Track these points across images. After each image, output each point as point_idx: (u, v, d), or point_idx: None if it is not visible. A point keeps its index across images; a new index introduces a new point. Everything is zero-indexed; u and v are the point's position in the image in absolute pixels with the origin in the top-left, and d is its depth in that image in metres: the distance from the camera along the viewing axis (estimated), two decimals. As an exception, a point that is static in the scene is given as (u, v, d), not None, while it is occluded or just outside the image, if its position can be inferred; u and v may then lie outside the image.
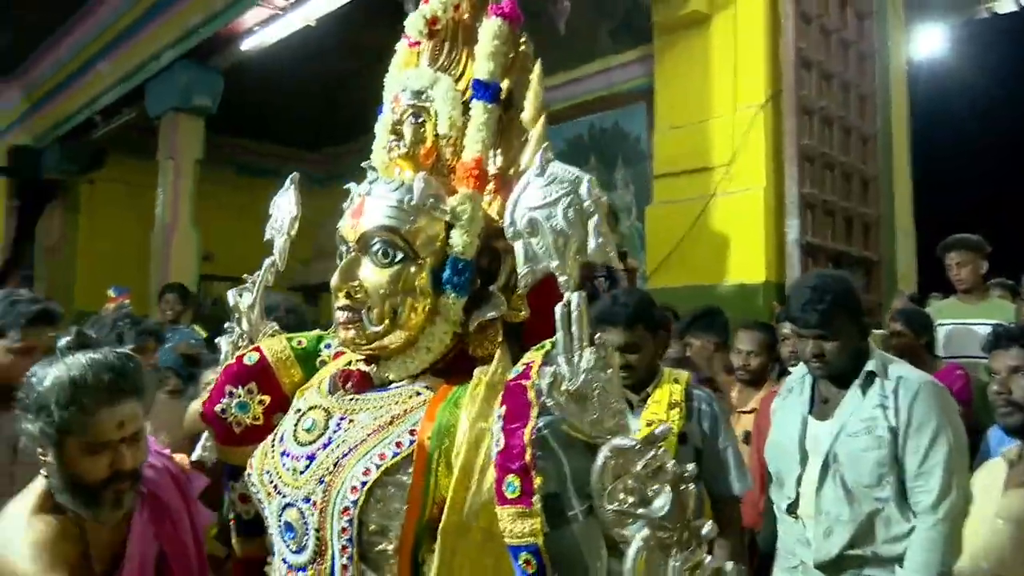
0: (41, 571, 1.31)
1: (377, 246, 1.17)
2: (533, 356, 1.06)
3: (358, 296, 1.17)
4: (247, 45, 6.17)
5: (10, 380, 2.08)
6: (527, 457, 0.97)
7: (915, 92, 5.73)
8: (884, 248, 5.01)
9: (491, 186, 1.24)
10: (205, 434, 1.56)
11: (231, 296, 1.55)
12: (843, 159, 4.78)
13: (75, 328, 1.54)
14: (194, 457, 1.65)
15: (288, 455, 1.19)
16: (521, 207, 1.04)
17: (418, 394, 1.18)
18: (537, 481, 0.96)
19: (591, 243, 1.00)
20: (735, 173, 4.55)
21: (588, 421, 0.98)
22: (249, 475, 1.24)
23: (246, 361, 1.37)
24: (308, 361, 1.39)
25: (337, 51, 6.88)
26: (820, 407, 2.28)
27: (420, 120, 1.24)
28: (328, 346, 1.41)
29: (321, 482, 1.13)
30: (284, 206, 1.54)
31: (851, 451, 2.14)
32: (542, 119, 1.26)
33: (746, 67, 4.63)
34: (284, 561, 1.17)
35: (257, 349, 1.38)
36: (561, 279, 1.01)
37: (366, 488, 1.08)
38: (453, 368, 1.20)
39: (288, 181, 1.54)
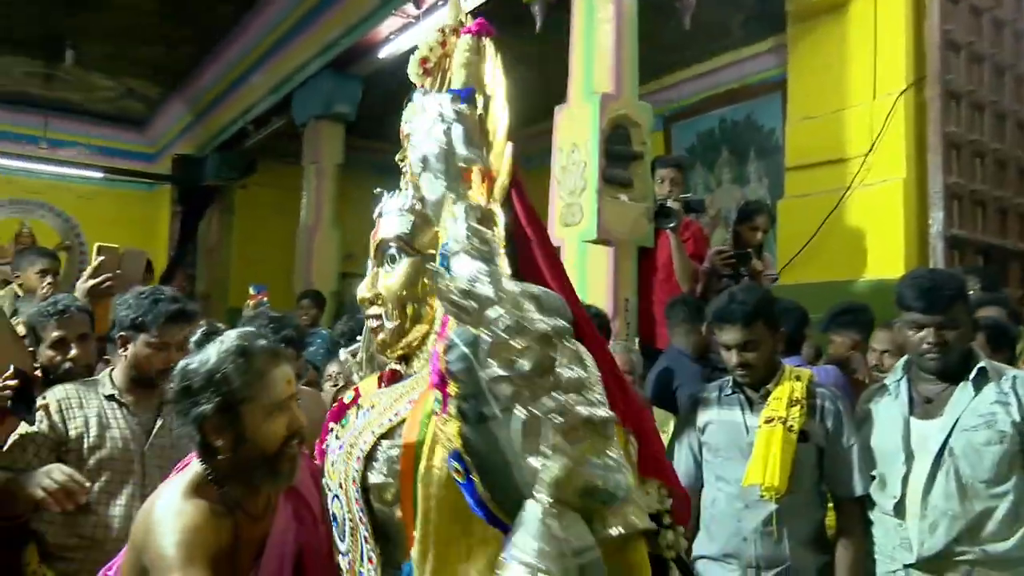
0: (184, 560, 1.28)
1: (388, 252, 1.34)
2: None
3: (378, 302, 1.31)
4: (384, 53, 6.44)
5: (145, 372, 2.30)
6: (441, 366, 1.01)
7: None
8: (1041, 239, 4.62)
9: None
10: None
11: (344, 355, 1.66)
12: (996, 146, 4.45)
13: (205, 323, 1.61)
14: None
15: (330, 451, 1.33)
16: (413, 154, 1.22)
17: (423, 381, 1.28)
18: (452, 389, 0.99)
19: (460, 152, 1.16)
20: (874, 164, 4.33)
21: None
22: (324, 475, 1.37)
23: (346, 401, 1.46)
24: None
25: (469, 55, 7.05)
26: (923, 407, 2.21)
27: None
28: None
29: (344, 464, 1.26)
30: None
31: (969, 445, 2.07)
32: (504, 119, 1.32)
33: (887, 52, 4.39)
34: (338, 550, 1.28)
35: (356, 389, 1.47)
36: (451, 198, 1.13)
37: (364, 455, 1.20)
38: None
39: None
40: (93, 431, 2.20)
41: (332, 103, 7.01)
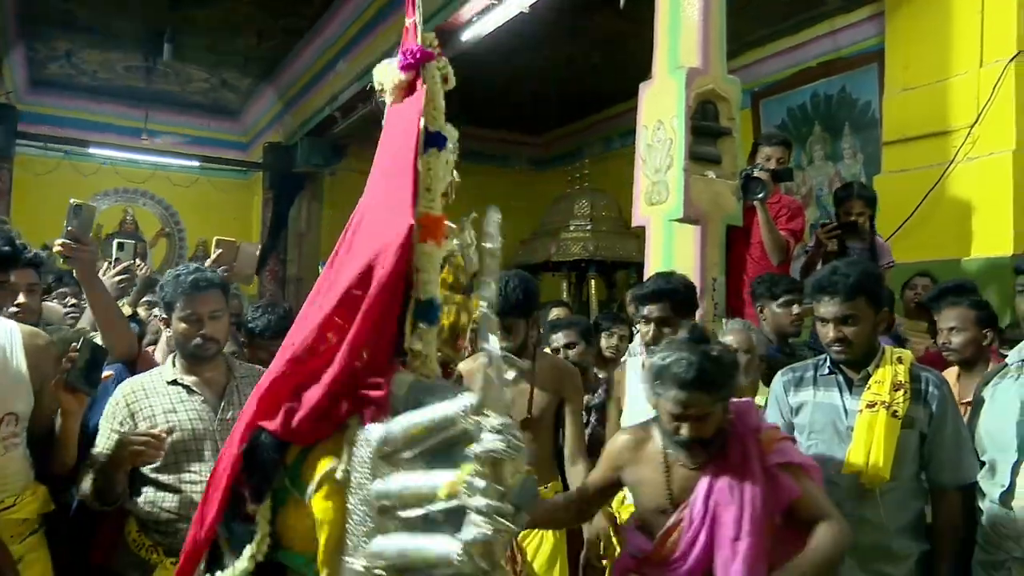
0: None
1: None
2: None
3: None
4: (466, 36, 6.45)
5: (185, 348, 2.33)
6: None
7: None
8: None
9: None
10: None
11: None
12: (1118, 113, 4.14)
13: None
14: None
15: None
16: None
17: None
18: None
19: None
20: (980, 136, 4.09)
21: None
22: None
23: None
24: None
25: (552, 37, 7.01)
26: None
27: None
28: None
29: None
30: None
31: None
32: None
33: (995, 17, 4.14)
34: None
35: None
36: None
37: None
38: None
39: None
40: (160, 419, 2.27)
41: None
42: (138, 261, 3.78)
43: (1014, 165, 3.96)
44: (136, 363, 2.59)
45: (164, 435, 2.14)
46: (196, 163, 10.31)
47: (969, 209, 4.14)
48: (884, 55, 4.87)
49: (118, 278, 2.89)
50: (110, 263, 3.00)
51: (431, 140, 1.39)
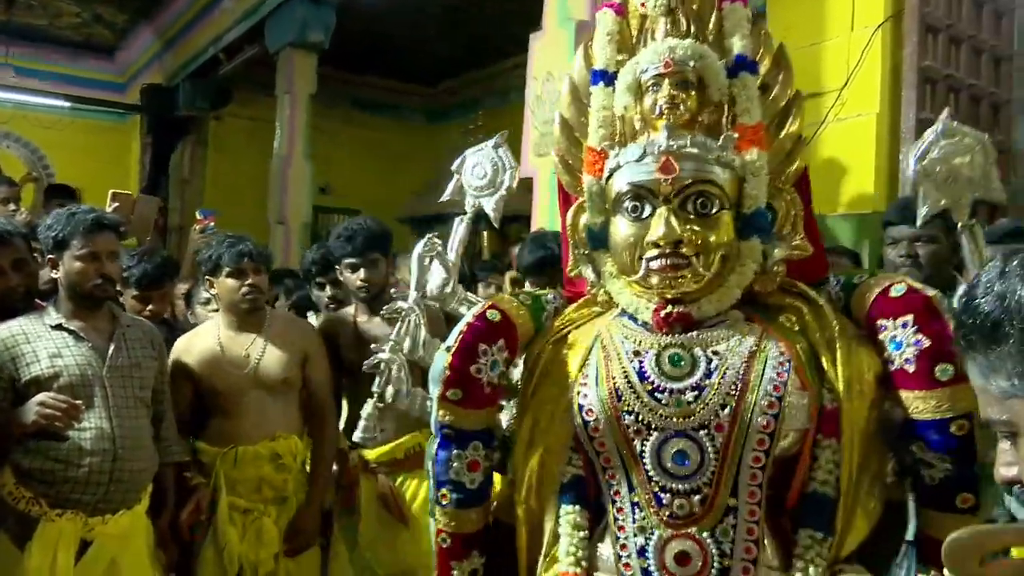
0: None
1: (695, 198, 1.31)
2: (880, 279, 1.34)
3: (687, 246, 1.29)
4: (358, -21, 6.28)
5: (82, 288, 2.28)
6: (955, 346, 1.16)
7: (1064, 8, 5.20)
8: (1014, 179, 4.65)
9: None
10: (367, 410, 1.64)
11: (422, 257, 1.61)
12: (971, 82, 4.43)
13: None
14: (357, 438, 1.71)
15: (663, 391, 1.28)
16: (932, 157, 1.42)
17: (747, 325, 1.33)
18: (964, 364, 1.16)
19: (994, 186, 1.41)
20: (848, 98, 4.30)
21: None
22: (588, 423, 1.31)
23: (490, 317, 1.41)
24: (536, 317, 1.48)
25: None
26: None
27: (688, 87, 1.36)
28: (548, 300, 1.52)
29: (725, 406, 1.25)
30: (495, 163, 1.64)
31: None
32: (796, 91, 1.44)
33: (866, -16, 4.33)
34: (664, 490, 1.27)
35: (495, 307, 1.43)
36: (956, 215, 1.42)
37: (783, 402, 1.24)
38: (740, 302, 1.36)
39: (495, 139, 1.66)
40: (44, 364, 2.20)
41: (306, 31, 6.84)
42: (12, 206, 3.57)
43: (877, 127, 4.19)
44: None
45: (81, 407, 2.09)
46: (66, 103, 9.66)
47: (837, 168, 4.37)
48: (765, 16, 5.03)
49: None
50: None
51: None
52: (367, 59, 9.06)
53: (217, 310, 2.88)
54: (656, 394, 1.27)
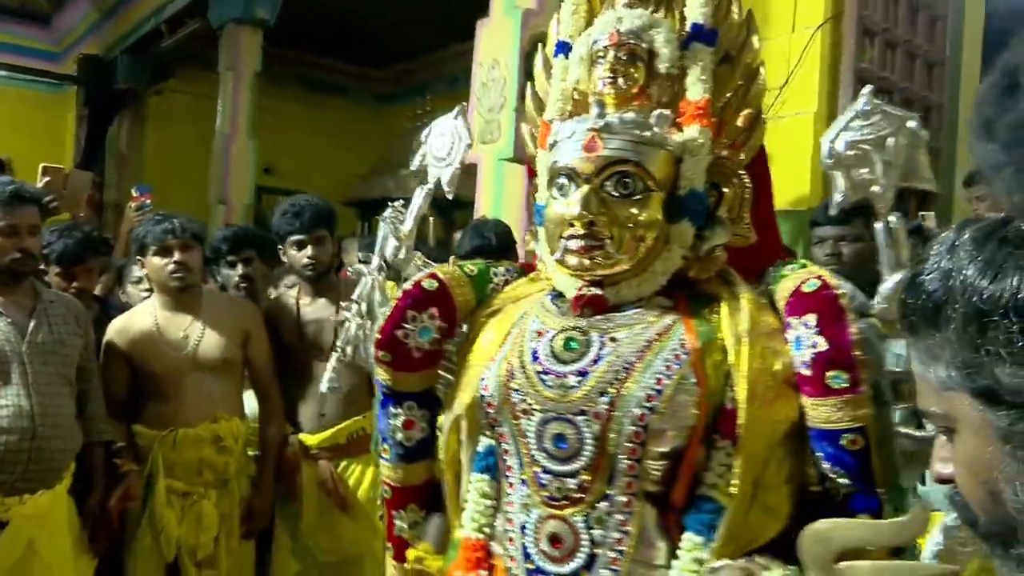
0: None
1: (617, 178, 1.24)
2: (800, 272, 1.25)
3: (601, 227, 1.24)
4: (305, -44, 6.17)
5: None
6: (855, 352, 1.14)
7: (994, 16, 5.42)
8: (944, 180, 4.84)
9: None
10: (332, 363, 1.66)
11: (386, 224, 1.61)
12: (904, 85, 4.60)
13: None
14: (323, 389, 1.75)
15: (549, 373, 1.26)
16: (843, 141, 1.24)
17: (664, 312, 1.27)
18: (863, 373, 1.14)
19: (924, 174, 1.24)
20: (788, 96, 4.42)
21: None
22: (484, 398, 1.31)
23: (426, 286, 1.41)
24: (480, 288, 1.46)
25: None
26: None
27: (635, 59, 1.30)
28: (496, 273, 1.50)
29: (604, 394, 1.21)
30: (452, 135, 1.61)
31: None
32: (762, 65, 1.39)
33: (808, -15, 4.45)
34: (545, 471, 1.25)
35: (434, 276, 1.42)
36: (879, 204, 1.23)
37: (662, 395, 1.18)
38: (673, 287, 1.30)
39: (456, 109, 1.63)
40: None
41: (251, 6, 6.71)
42: None
43: (814, 125, 4.32)
44: None
45: None
46: (-3, 71, 9.30)
47: (775, 165, 4.47)
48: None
49: None
50: None
51: None
52: (316, 38, 8.92)
53: (149, 290, 2.83)
54: (542, 376, 1.26)
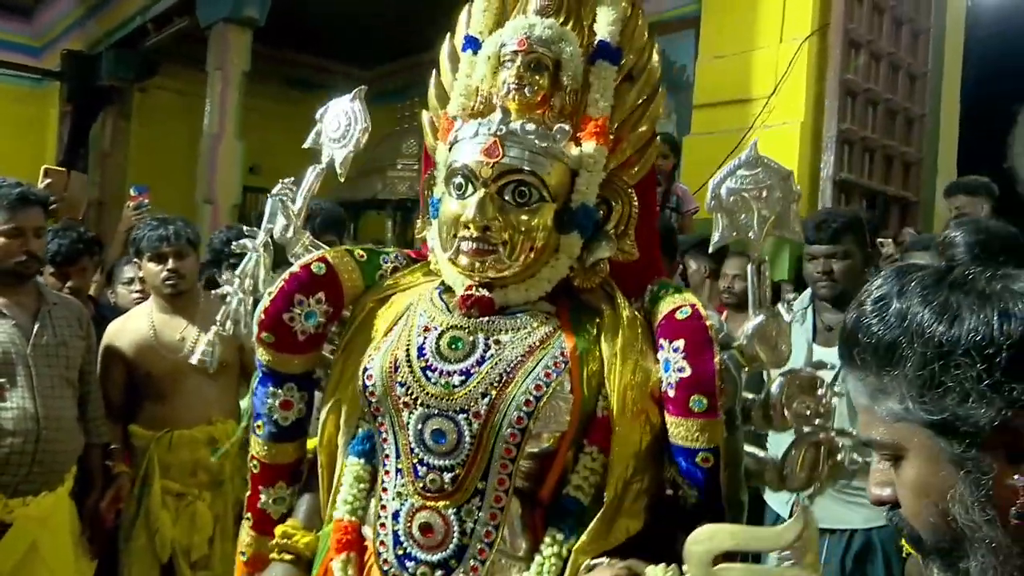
0: None
1: (514, 186, 1.29)
2: (676, 297, 1.33)
3: (495, 233, 1.28)
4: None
5: (3, 263, 2.25)
6: (717, 381, 1.23)
7: (975, 31, 5.53)
8: (924, 189, 4.95)
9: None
10: (208, 337, 1.66)
11: (275, 200, 1.60)
12: (888, 96, 4.69)
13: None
14: (194, 360, 1.75)
15: (434, 370, 1.29)
16: (728, 186, 1.34)
17: (547, 319, 1.32)
18: (722, 400, 1.24)
19: (793, 226, 1.35)
20: (776, 106, 4.50)
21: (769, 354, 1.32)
22: (367, 387, 1.33)
23: (314, 270, 1.42)
24: (369, 274, 1.48)
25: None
26: (824, 334, 2.39)
27: (541, 69, 1.34)
28: (385, 259, 1.51)
29: (485, 396, 1.26)
30: (349, 117, 1.62)
31: None
32: (662, 88, 1.44)
33: (795, -3, 4.53)
34: (422, 463, 1.29)
35: (323, 260, 1.44)
36: (753, 251, 1.34)
37: (540, 401, 1.24)
38: (557, 294, 1.36)
39: (354, 92, 1.65)
40: None
41: (240, 6, 6.67)
42: None
43: (801, 136, 4.40)
44: None
45: (5, 386, 2.06)
46: (-23, 66, 9.18)
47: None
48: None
49: None
50: None
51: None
52: (302, 38, 8.90)
53: (140, 291, 2.85)
54: (427, 372, 1.29)
